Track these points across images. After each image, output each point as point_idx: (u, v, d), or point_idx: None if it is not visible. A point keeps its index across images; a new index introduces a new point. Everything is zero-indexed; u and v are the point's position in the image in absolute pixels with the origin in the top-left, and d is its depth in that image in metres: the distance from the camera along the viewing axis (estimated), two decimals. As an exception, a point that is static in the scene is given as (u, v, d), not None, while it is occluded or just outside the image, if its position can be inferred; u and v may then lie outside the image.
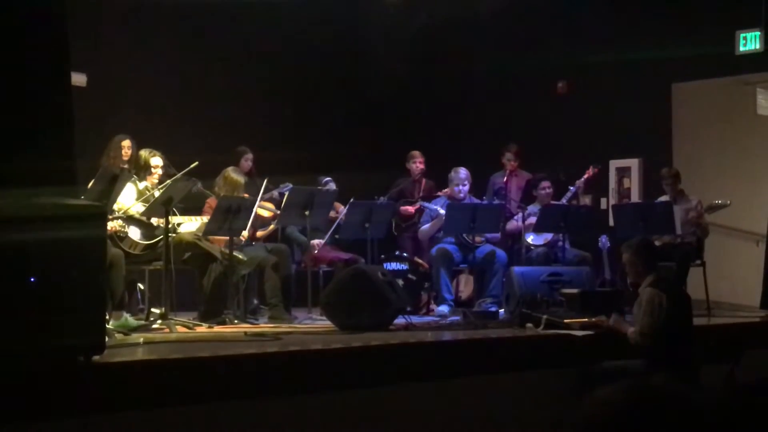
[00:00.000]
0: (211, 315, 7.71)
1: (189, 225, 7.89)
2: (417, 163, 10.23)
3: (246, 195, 8.41)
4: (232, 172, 8.48)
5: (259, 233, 8.64)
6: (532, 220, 9.31)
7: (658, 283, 6.45)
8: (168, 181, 7.57)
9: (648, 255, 6.63)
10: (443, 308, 8.92)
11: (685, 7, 10.64)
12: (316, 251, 9.02)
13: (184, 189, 7.54)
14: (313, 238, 9.07)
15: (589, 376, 6.53)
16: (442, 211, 9.20)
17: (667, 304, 6.32)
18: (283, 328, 7.52)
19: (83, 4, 8.92)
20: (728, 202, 8.99)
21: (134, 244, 7.63)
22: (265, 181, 8.79)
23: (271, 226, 8.74)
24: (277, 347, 5.99)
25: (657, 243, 8.99)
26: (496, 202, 9.85)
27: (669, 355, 6.30)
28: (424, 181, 10.25)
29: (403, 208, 10.00)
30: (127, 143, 8.36)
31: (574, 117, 11.34)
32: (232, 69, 10.78)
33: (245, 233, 8.29)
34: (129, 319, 7.25)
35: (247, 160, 9.57)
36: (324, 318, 7.59)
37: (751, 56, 10.23)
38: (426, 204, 9.60)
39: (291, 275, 8.49)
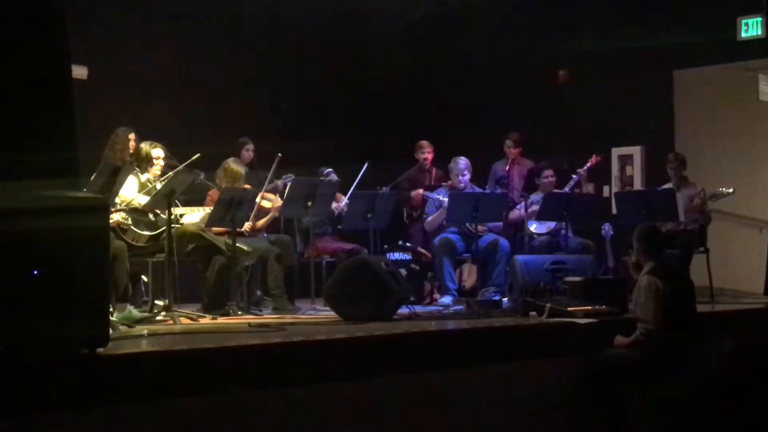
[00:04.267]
0: (214, 306, 7.72)
1: (192, 216, 7.89)
2: (426, 153, 10.21)
3: (247, 186, 8.41)
4: (232, 163, 8.48)
5: (259, 223, 8.62)
6: (535, 208, 9.30)
7: (655, 270, 6.45)
8: (170, 173, 7.57)
9: (650, 242, 6.63)
10: (446, 299, 8.92)
11: (687, -6, 10.63)
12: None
13: (186, 181, 7.54)
14: (317, 231, 9.14)
15: (593, 364, 6.54)
16: (446, 200, 9.19)
17: (665, 290, 6.32)
18: (287, 318, 7.53)
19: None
20: (731, 190, 8.98)
21: (137, 236, 7.64)
22: (277, 159, 8.77)
23: (270, 215, 8.69)
24: (280, 338, 5.98)
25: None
26: (498, 190, 9.83)
27: (672, 342, 6.31)
28: (434, 170, 10.24)
29: (414, 193, 9.99)
30: (132, 136, 8.37)
31: (576, 105, 11.34)
32: (233, 60, 10.77)
33: (248, 224, 8.29)
34: (133, 311, 7.26)
35: (248, 151, 9.57)
36: (327, 308, 7.59)
37: (752, 42, 10.23)
38: (429, 194, 9.59)
39: (294, 266, 8.48)
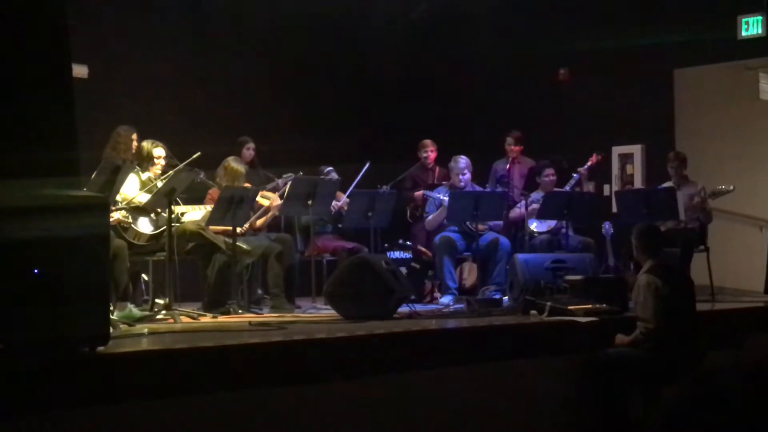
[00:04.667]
0: (215, 305, 7.72)
1: (192, 214, 7.89)
2: (429, 152, 10.20)
3: (248, 185, 8.42)
4: (232, 162, 8.48)
5: (258, 222, 8.63)
6: (535, 207, 9.31)
7: (654, 269, 6.46)
8: (171, 171, 7.57)
9: (648, 241, 6.65)
10: (447, 298, 8.92)
11: (687, -8, 10.63)
12: None
13: (186, 179, 7.54)
14: (317, 230, 9.15)
15: (593, 363, 6.54)
16: (446, 198, 9.19)
17: (664, 289, 6.33)
18: (288, 317, 7.53)
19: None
20: (731, 187, 8.97)
21: (138, 234, 7.64)
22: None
23: (270, 213, 8.69)
24: (281, 336, 5.99)
25: (660, 229, 9.00)
26: (499, 189, 9.83)
27: (672, 341, 6.31)
28: (438, 168, 10.23)
29: (417, 193, 9.99)
30: (134, 135, 8.38)
31: (577, 104, 11.34)
32: (234, 59, 10.78)
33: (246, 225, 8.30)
34: (133, 309, 7.26)
35: (249, 150, 9.57)
36: (328, 307, 7.59)
37: (753, 41, 10.23)
38: (429, 193, 9.59)
39: (295, 264, 8.48)
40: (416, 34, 12.08)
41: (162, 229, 7.61)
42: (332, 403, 5.57)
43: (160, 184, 7.60)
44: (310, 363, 5.58)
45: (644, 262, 6.55)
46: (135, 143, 8.27)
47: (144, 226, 7.69)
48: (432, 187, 9.75)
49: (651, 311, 6.34)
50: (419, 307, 8.04)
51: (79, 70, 8.87)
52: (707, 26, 10.27)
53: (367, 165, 9.46)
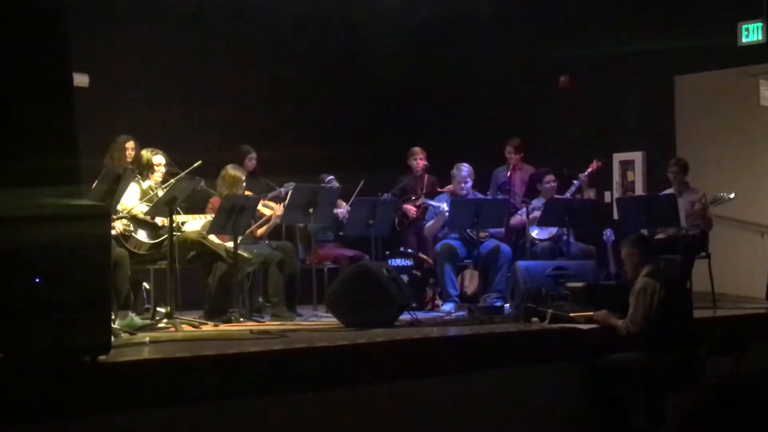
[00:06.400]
0: (216, 313, 7.72)
1: (193, 223, 7.89)
2: (418, 160, 10.20)
3: (249, 193, 8.42)
4: (230, 169, 8.46)
5: (259, 231, 8.63)
6: (536, 214, 9.30)
7: (653, 273, 6.49)
8: (171, 180, 7.58)
9: (644, 247, 6.69)
10: (448, 305, 8.91)
11: (687, -1, 10.64)
12: None
13: (187, 188, 7.54)
14: (319, 238, 9.14)
15: (595, 370, 6.54)
16: (446, 207, 9.19)
17: (661, 294, 6.35)
18: (289, 325, 7.52)
19: (85, 5, 8.93)
20: (732, 195, 8.97)
21: (139, 243, 7.65)
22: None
23: (271, 222, 8.68)
24: (282, 345, 5.99)
25: (661, 236, 9.01)
26: (500, 196, 9.83)
27: (670, 347, 6.31)
28: (426, 177, 10.22)
29: (405, 206, 9.98)
30: (130, 144, 8.37)
31: (577, 111, 11.34)
32: (234, 68, 10.79)
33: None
34: (135, 318, 7.27)
35: (251, 160, 9.55)
36: (329, 315, 7.60)
37: (753, 47, 10.23)
38: (429, 201, 9.59)
39: (296, 272, 8.48)
40: (417, 40, 12.09)
41: (163, 238, 7.62)
42: (334, 412, 5.56)
43: (160, 192, 7.61)
44: (311, 371, 5.58)
45: (641, 269, 6.57)
46: (132, 151, 8.28)
47: (145, 235, 7.69)
48: (430, 196, 9.75)
49: (640, 316, 6.39)
50: (420, 315, 8.03)
51: (80, 79, 8.88)
52: (707, 33, 10.27)
53: (362, 183, 9.41)
